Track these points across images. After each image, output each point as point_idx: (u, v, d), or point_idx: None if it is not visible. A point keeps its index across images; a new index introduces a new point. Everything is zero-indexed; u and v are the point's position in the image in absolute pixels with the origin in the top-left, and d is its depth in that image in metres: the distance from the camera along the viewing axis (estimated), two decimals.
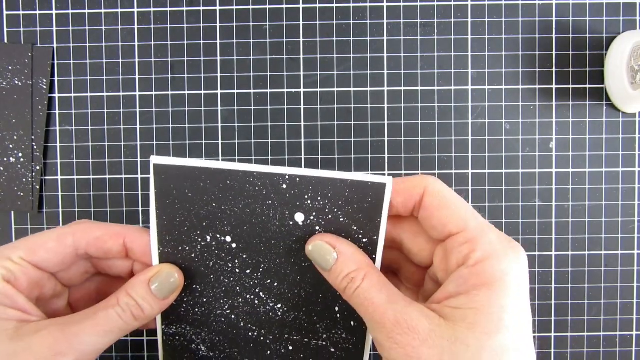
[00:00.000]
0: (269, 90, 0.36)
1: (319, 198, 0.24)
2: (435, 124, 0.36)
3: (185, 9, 0.36)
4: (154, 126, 0.36)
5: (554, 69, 0.36)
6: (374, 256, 0.25)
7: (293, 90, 0.36)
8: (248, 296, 0.26)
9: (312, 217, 0.24)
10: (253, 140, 0.36)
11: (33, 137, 0.36)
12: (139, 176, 0.36)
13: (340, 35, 0.36)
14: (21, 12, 0.36)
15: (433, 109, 0.36)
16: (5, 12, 0.36)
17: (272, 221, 0.25)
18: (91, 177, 0.36)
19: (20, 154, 0.36)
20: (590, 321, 0.36)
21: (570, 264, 0.36)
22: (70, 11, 0.36)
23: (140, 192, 0.36)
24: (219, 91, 0.36)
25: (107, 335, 0.23)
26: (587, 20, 0.36)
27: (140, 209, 0.36)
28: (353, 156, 0.36)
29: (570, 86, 0.36)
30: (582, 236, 0.36)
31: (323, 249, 0.23)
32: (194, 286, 0.26)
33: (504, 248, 0.20)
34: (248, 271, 0.26)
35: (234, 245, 0.25)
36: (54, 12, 0.36)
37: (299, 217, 0.25)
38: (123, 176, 0.36)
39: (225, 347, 0.27)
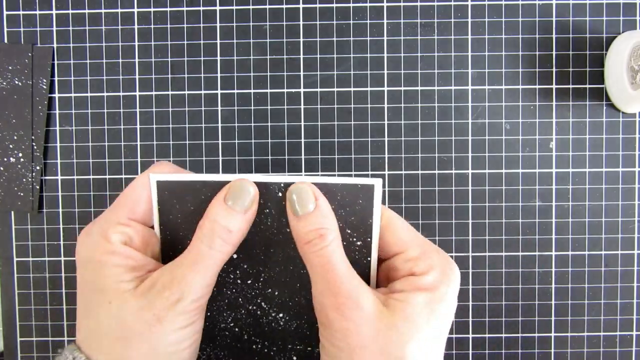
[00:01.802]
0: (269, 90, 0.36)
1: None
2: (435, 124, 0.36)
3: (185, 9, 0.36)
4: (154, 126, 0.36)
5: (554, 69, 0.36)
6: (368, 258, 0.25)
7: (293, 90, 0.36)
8: (250, 307, 0.27)
9: None
10: (253, 140, 0.36)
11: (33, 137, 0.36)
12: None
13: (340, 35, 0.36)
14: (21, 12, 0.36)
15: (433, 109, 0.36)
16: (5, 12, 0.36)
17: (270, 229, 0.25)
18: (91, 177, 0.36)
19: (20, 154, 0.36)
20: (590, 321, 0.36)
21: (570, 264, 0.36)
22: (70, 11, 0.36)
23: None
24: (219, 91, 0.36)
25: (209, 269, 0.23)
26: (587, 20, 0.36)
27: None
28: (353, 156, 0.36)
29: (570, 86, 0.36)
30: (582, 236, 0.36)
31: (305, 193, 0.23)
32: None
33: (443, 265, 0.23)
34: (249, 281, 0.26)
35: (234, 256, 0.26)
36: (54, 12, 0.36)
37: None
38: (123, 176, 0.36)
39: None
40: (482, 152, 0.36)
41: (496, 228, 0.36)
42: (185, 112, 0.36)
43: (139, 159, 0.36)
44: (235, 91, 0.36)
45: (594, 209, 0.36)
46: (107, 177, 0.36)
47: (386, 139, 0.36)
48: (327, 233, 0.23)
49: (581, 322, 0.36)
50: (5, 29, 0.36)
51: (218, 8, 0.36)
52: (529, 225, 0.36)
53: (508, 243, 0.36)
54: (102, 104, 0.36)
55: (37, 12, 0.36)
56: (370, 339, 0.21)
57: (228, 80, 0.36)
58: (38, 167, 0.36)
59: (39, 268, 0.36)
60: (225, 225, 0.23)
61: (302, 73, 0.36)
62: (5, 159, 0.36)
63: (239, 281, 0.26)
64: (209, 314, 0.27)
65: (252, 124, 0.36)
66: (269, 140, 0.36)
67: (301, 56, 0.36)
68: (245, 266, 0.26)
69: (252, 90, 0.36)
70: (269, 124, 0.36)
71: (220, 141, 0.36)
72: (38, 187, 0.36)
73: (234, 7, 0.36)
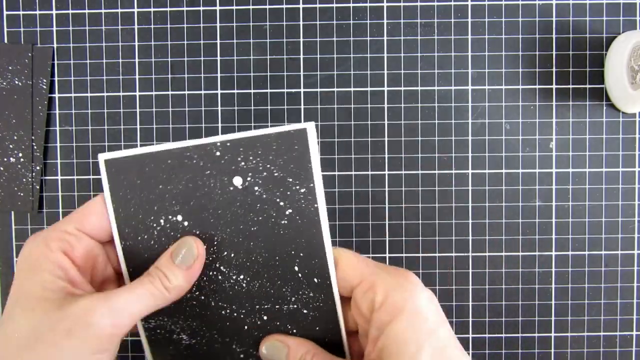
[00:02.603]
0: (269, 90, 0.36)
1: (251, 157, 0.25)
2: (435, 124, 0.36)
3: (185, 9, 0.36)
4: (154, 126, 0.36)
5: (554, 69, 0.36)
6: (315, 205, 0.26)
7: (293, 90, 0.36)
8: (210, 273, 0.27)
9: (249, 178, 0.26)
10: None
11: (33, 137, 0.36)
12: None
13: (340, 35, 0.36)
14: (21, 12, 0.36)
15: (433, 109, 0.36)
16: (5, 12, 0.36)
17: (214, 190, 0.26)
18: (91, 177, 0.36)
19: (20, 154, 0.36)
20: (590, 321, 0.36)
21: (570, 264, 0.36)
22: (70, 11, 0.36)
23: None
24: (219, 91, 0.36)
25: (143, 300, 0.23)
26: (587, 20, 0.36)
27: None
28: (353, 156, 0.36)
29: (570, 86, 0.36)
30: (582, 236, 0.36)
31: (275, 346, 0.26)
32: None
33: (397, 281, 0.23)
34: (204, 246, 0.27)
35: (185, 224, 0.26)
36: (54, 12, 0.36)
37: (238, 181, 0.26)
38: None
39: (205, 331, 0.28)
40: (482, 152, 0.36)
41: (496, 228, 0.36)
42: (185, 112, 0.36)
43: None
44: (235, 91, 0.36)
45: (594, 209, 0.36)
46: None
47: (386, 139, 0.36)
48: (307, 355, 0.25)
49: (581, 322, 0.36)
50: (5, 29, 0.36)
51: (218, 8, 0.36)
52: (529, 225, 0.36)
53: (508, 243, 0.36)
54: (102, 104, 0.36)
55: (37, 12, 0.36)
56: None
57: (228, 80, 0.36)
58: (38, 167, 0.36)
59: None
60: (168, 276, 0.24)
61: (302, 73, 0.36)
62: (5, 159, 0.36)
63: None
64: None
65: (252, 124, 0.36)
66: None
67: (301, 56, 0.36)
68: (197, 232, 0.26)
69: (252, 90, 0.36)
70: (269, 124, 0.36)
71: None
72: (38, 187, 0.36)
73: (234, 7, 0.36)
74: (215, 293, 0.27)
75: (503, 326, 0.36)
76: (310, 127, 0.25)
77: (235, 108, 0.36)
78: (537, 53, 0.36)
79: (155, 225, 0.26)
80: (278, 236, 0.26)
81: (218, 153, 0.25)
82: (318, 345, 0.26)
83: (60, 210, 0.36)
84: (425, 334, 0.22)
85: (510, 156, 0.36)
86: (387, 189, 0.36)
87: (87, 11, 0.36)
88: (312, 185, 0.25)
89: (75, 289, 0.23)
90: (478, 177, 0.36)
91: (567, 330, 0.36)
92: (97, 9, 0.36)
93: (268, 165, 0.25)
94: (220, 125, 0.36)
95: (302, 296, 0.27)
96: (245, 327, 0.28)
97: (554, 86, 0.36)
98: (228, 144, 0.25)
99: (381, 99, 0.36)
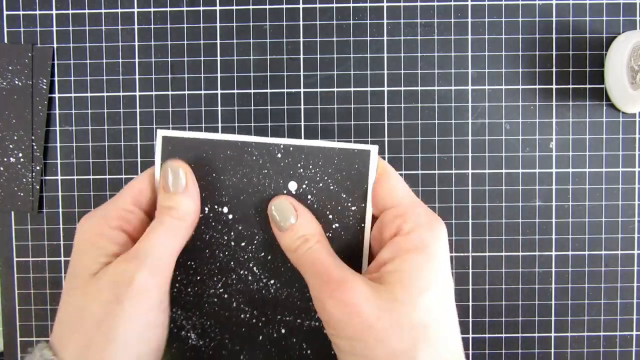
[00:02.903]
0: (269, 90, 0.36)
1: (311, 166, 0.25)
2: (435, 124, 0.36)
3: (185, 9, 0.36)
4: (154, 126, 0.36)
5: (554, 69, 0.36)
6: (362, 224, 0.25)
7: (293, 90, 0.36)
8: (242, 272, 0.27)
9: (304, 186, 0.26)
10: None
11: (33, 137, 0.36)
12: None
13: (340, 35, 0.36)
14: (21, 12, 0.36)
15: (433, 109, 0.36)
16: (5, 12, 0.36)
17: (267, 190, 0.26)
18: (91, 177, 0.36)
19: (20, 154, 0.36)
20: (590, 321, 0.36)
21: (570, 264, 0.36)
22: (70, 11, 0.36)
23: None
24: (219, 91, 0.36)
25: (163, 240, 0.23)
26: (587, 20, 0.36)
27: None
28: None
29: (570, 86, 0.36)
30: (582, 236, 0.36)
31: (286, 208, 0.25)
32: (189, 262, 0.26)
33: (430, 221, 0.23)
34: (243, 244, 0.26)
35: (230, 217, 0.26)
36: (54, 12, 0.36)
37: (292, 186, 0.26)
38: (123, 176, 0.36)
39: (217, 333, 0.27)
40: (482, 152, 0.36)
41: (496, 228, 0.36)
42: (185, 112, 0.36)
43: (139, 159, 0.36)
44: (235, 91, 0.36)
45: (594, 209, 0.36)
46: (107, 177, 0.36)
47: (386, 139, 0.36)
48: (311, 237, 0.24)
49: (581, 322, 0.36)
50: (5, 29, 0.36)
51: (218, 8, 0.36)
52: (529, 225, 0.36)
53: (508, 243, 0.36)
54: (102, 104, 0.36)
55: (37, 12, 0.36)
56: (374, 317, 0.21)
57: (228, 80, 0.36)
58: (38, 167, 0.36)
59: (39, 268, 0.36)
60: (168, 206, 0.24)
61: (302, 73, 0.36)
62: (5, 159, 0.36)
63: (232, 243, 0.26)
64: (198, 278, 0.27)
65: (252, 124, 0.36)
66: None
67: (301, 56, 0.36)
68: (240, 227, 0.26)
69: (252, 90, 0.36)
70: (269, 124, 0.36)
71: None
72: (38, 187, 0.36)
73: (234, 7, 0.36)
74: (240, 294, 0.27)
75: (503, 326, 0.36)
76: (374, 150, 0.25)
77: (235, 108, 0.36)
78: (537, 53, 0.36)
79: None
80: None
81: (279, 155, 0.25)
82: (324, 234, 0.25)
83: (60, 210, 0.36)
84: (439, 278, 0.22)
85: (510, 156, 0.36)
86: None
87: (87, 11, 0.36)
88: (363, 205, 0.25)
89: None
90: (478, 177, 0.36)
91: (567, 330, 0.36)
92: (97, 9, 0.36)
93: (325, 178, 0.25)
94: (220, 125, 0.36)
95: None
96: (260, 338, 0.27)
97: (554, 86, 0.36)
98: (291, 149, 0.25)
99: (381, 99, 0.36)
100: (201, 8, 0.36)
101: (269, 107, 0.36)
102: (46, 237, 0.36)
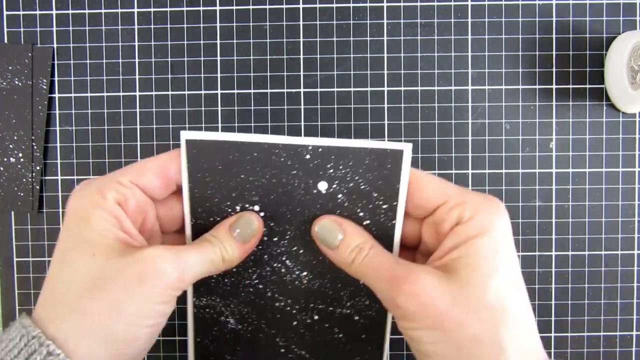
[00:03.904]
0: (269, 90, 0.36)
1: (341, 167, 0.25)
2: (435, 124, 0.36)
3: (185, 9, 0.36)
4: (154, 126, 0.36)
5: (554, 69, 0.36)
6: (393, 221, 0.26)
7: (293, 90, 0.36)
8: (275, 264, 0.27)
9: (334, 185, 0.25)
10: None
11: (33, 137, 0.36)
12: None
13: (340, 35, 0.36)
14: (21, 12, 0.36)
15: (433, 109, 0.36)
16: (5, 12, 0.36)
17: (297, 190, 0.26)
18: (91, 177, 0.36)
19: (20, 154, 0.36)
20: (590, 321, 0.36)
21: (570, 264, 0.36)
22: (70, 11, 0.36)
23: None
24: (219, 91, 0.36)
25: (204, 263, 0.24)
26: (587, 20, 0.36)
27: None
28: None
29: (570, 86, 0.36)
30: (582, 236, 0.36)
31: (330, 227, 0.25)
32: None
33: (488, 203, 0.23)
34: (275, 239, 0.27)
35: (262, 214, 0.26)
36: (54, 12, 0.36)
37: (322, 186, 0.25)
38: None
39: (254, 319, 0.28)
40: (482, 152, 0.36)
41: None
42: (185, 112, 0.36)
43: (139, 159, 0.36)
44: (235, 91, 0.36)
45: (594, 209, 0.36)
46: None
47: (386, 139, 0.36)
48: (364, 245, 0.24)
49: (581, 322, 0.36)
50: (5, 29, 0.36)
51: (218, 8, 0.36)
52: (529, 225, 0.36)
53: None
54: (102, 104, 0.36)
55: (37, 12, 0.36)
56: (449, 304, 0.21)
57: (228, 80, 0.36)
58: (38, 167, 0.36)
59: (39, 268, 0.36)
60: (226, 247, 0.24)
61: (302, 73, 0.36)
62: (5, 159, 0.36)
63: (265, 238, 0.27)
64: (234, 270, 0.27)
65: (252, 124, 0.36)
66: None
67: (301, 56, 0.36)
68: (272, 224, 0.26)
69: (252, 90, 0.36)
70: (269, 124, 0.36)
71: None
72: (38, 187, 0.36)
73: (234, 7, 0.36)
74: (274, 285, 0.27)
75: None
76: (407, 149, 0.24)
77: (235, 108, 0.36)
78: (537, 53, 0.36)
79: (230, 210, 0.26)
80: None
81: (308, 156, 0.25)
82: (375, 240, 0.25)
83: (60, 210, 0.36)
84: (506, 259, 0.22)
85: (510, 156, 0.36)
86: None
87: (87, 11, 0.36)
88: (395, 204, 0.25)
89: (132, 239, 0.23)
90: (478, 177, 0.36)
91: (567, 330, 0.36)
92: (97, 9, 0.36)
93: (356, 177, 0.25)
94: (220, 125, 0.36)
95: (357, 303, 0.27)
96: (295, 323, 0.28)
97: (554, 86, 0.36)
98: (320, 150, 0.25)
99: (381, 99, 0.36)
100: (201, 8, 0.36)
101: (269, 107, 0.36)
102: (46, 237, 0.36)
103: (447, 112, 0.36)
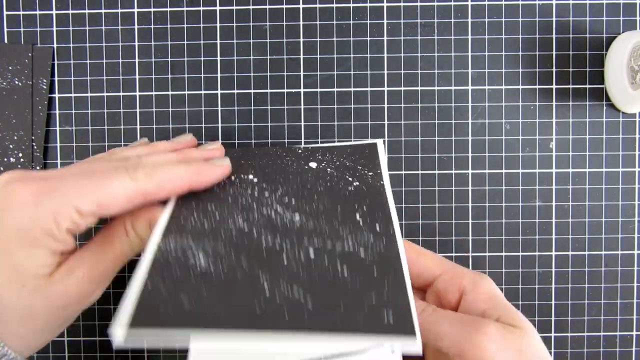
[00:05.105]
0: (269, 90, 0.36)
1: (327, 155, 0.31)
2: (435, 124, 0.36)
3: (185, 9, 0.36)
4: (154, 126, 0.36)
5: (554, 69, 0.36)
6: (381, 182, 0.29)
7: (293, 90, 0.36)
8: (265, 210, 0.26)
9: (323, 164, 0.31)
10: (253, 140, 0.36)
11: (33, 137, 0.36)
12: None
13: (340, 35, 0.36)
14: (21, 12, 0.36)
15: (433, 109, 0.36)
16: (5, 12, 0.36)
17: (291, 167, 0.30)
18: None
19: (20, 154, 0.36)
20: (590, 321, 0.36)
21: (570, 264, 0.36)
22: (70, 11, 0.36)
23: None
24: (219, 91, 0.36)
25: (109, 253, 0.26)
26: (587, 20, 0.36)
27: None
28: None
29: (570, 86, 0.36)
30: (582, 236, 0.36)
31: None
32: (208, 204, 0.26)
33: (476, 274, 0.26)
34: (266, 193, 0.28)
35: (255, 180, 0.29)
36: (54, 12, 0.36)
37: (313, 164, 0.31)
38: None
39: (233, 260, 0.23)
40: (482, 152, 0.36)
41: (496, 228, 0.36)
42: (185, 112, 0.36)
43: None
44: (235, 91, 0.36)
45: (594, 209, 0.36)
46: None
47: (386, 138, 0.36)
48: (429, 309, 0.25)
49: (581, 322, 0.36)
50: (5, 29, 0.36)
51: (218, 8, 0.36)
52: (529, 225, 0.36)
53: (508, 243, 0.36)
54: (102, 104, 0.36)
55: (37, 12, 0.36)
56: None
57: (228, 80, 0.36)
58: (38, 167, 0.36)
59: None
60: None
61: (302, 73, 0.36)
62: (5, 159, 0.36)
63: (256, 194, 0.28)
64: (217, 212, 0.25)
65: (252, 124, 0.36)
66: (269, 141, 0.36)
67: (301, 56, 0.36)
68: (264, 185, 0.29)
69: (252, 90, 0.36)
70: (269, 124, 0.36)
71: (220, 141, 0.36)
72: None
73: (234, 7, 0.36)
74: (263, 226, 0.25)
75: None
76: (379, 142, 0.33)
77: (235, 108, 0.36)
78: (537, 53, 0.36)
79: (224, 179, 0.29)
80: (343, 196, 0.28)
81: (299, 151, 0.32)
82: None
83: None
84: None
85: (510, 156, 0.36)
86: None
87: (87, 11, 0.36)
88: (379, 171, 0.30)
89: (67, 257, 0.25)
90: (478, 177, 0.36)
91: (567, 331, 0.36)
92: (97, 9, 0.36)
93: (342, 159, 0.31)
94: (220, 125, 0.36)
95: (360, 239, 0.24)
96: (286, 262, 0.23)
97: (554, 86, 0.36)
98: (309, 148, 0.32)
99: (381, 99, 0.36)
100: (201, 8, 0.36)
101: (268, 107, 0.36)
102: None
103: (447, 112, 0.36)
